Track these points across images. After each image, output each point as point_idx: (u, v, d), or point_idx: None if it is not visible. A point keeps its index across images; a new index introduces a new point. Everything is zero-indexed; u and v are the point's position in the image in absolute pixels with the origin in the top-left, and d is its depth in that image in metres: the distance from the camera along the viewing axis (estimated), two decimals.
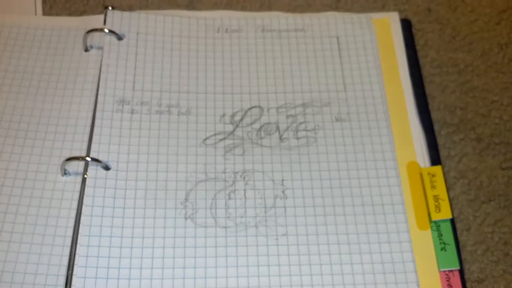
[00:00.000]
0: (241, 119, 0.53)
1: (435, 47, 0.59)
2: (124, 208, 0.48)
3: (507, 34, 0.60)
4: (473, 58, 0.58)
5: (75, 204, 0.48)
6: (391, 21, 0.59)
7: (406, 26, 0.59)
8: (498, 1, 0.62)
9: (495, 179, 0.52)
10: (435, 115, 0.55)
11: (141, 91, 0.53)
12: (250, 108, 0.53)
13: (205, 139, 0.51)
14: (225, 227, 0.47)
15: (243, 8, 0.61)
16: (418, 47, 0.59)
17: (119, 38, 0.56)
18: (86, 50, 0.56)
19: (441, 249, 0.47)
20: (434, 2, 0.62)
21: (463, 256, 0.48)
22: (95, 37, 0.57)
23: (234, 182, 0.49)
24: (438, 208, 0.48)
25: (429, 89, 0.56)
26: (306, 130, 0.52)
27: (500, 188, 0.52)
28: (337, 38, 0.57)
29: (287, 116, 0.53)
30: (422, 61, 0.58)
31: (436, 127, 0.54)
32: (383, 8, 0.61)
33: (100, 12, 0.59)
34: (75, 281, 0.45)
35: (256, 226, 0.47)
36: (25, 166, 0.50)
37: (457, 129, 0.54)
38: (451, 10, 0.61)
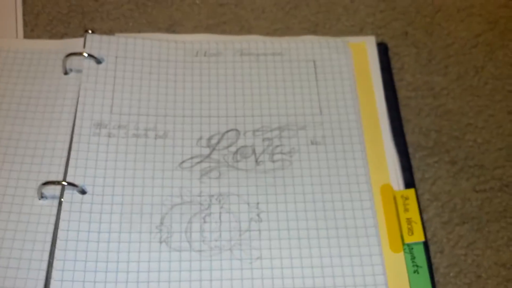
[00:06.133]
0: (218, 142, 0.53)
1: (411, 71, 0.60)
2: (99, 232, 0.48)
3: (482, 58, 0.61)
4: (448, 82, 0.59)
5: (51, 228, 0.49)
6: (368, 45, 0.60)
7: (383, 49, 0.60)
8: (474, 25, 0.63)
9: (468, 202, 0.53)
10: (410, 138, 0.56)
11: (118, 114, 0.54)
12: (227, 131, 0.54)
13: (182, 162, 0.52)
14: (200, 251, 0.48)
15: (223, 32, 0.61)
16: (394, 71, 0.59)
17: (98, 61, 0.56)
18: (66, 73, 0.57)
19: (414, 272, 0.48)
20: (411, 26, 0.63)
21: (436, 279, 0.49)
22: (74, 61, 0.57)
23: (209, 205, 0.50)
24: (411, 231, 0.49)
25: (404, 112, 0.57)
26: (281, 153, 0.53)
27: (474, 211, 0.52)
28: (314, 62, 0.58)
29: (263, 139, 0.54)
30: (398, 84, 0.59)
31: (410, 150, 0.55)
32: (361, 31, 0.62)
33: (81, 35, 0.60)
34: None
35: (230, 249, 0.48)
36: (3, 189, 0.51)
37: (431, 152, 0.55)
38: (428, 34, 0.62)
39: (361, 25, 0.62)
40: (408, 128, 0.56)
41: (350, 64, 0.58)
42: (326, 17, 0.63)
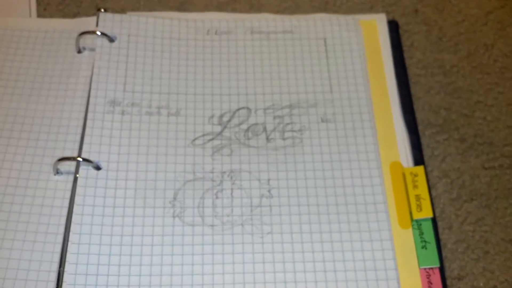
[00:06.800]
0: (229, 120, 0.54)
1: (421, 48, 0.60)
2: (114, 207, 0.49)
3: (493, 35, 0.61)
4: (458, 59, 0.60)
5: (66, 203, 0.50)
6: (378, 23, 0.60)
7: (393, 27, 0.60)
8: (485, 2, 0.63)
9: (477, 179, 0.53)
10: (419, 116, 0.56)
11: (131, 92, 0.55)
12: (238, 109, 0.55)
13: (194, 139, 0.53)
14: (212, 226, 0.49)
15: (233, 10, 0.62)
16: (404, 48, 0.60)
17: (111, 40, 0.57)
18: (79, 52, 0.58)
19: (422, 247, 0.48)
20: (421, 3, 0.63)
21: (444, 254, 0.49)
22: (87, 39, 0.58)
23: (221, 181, 0.51)
24: (419, 207, 0.50)
25: (414, 89, 0.57)
26: (292, 131, 0.53)
27: (482, 188, 0.53)
28: (324, 39, 0.58)
29: (274, 117, 0.54)
30: (408, 62, 0.59)
31: (420, 128, 0.55)
32: (371, 9, 0.62)
33: (93, 14, 0.60)
34: (66, 277, 0.46)
35: (242, 224, 0.49)
36: (19, 165, 0.52)
37: (441, 130, 0.55)
38: (438, 11, 0.62)
39: (371, 3, 0.63)
40: (418, 106, 0.56)
41: (361, 42, 0.58)
42: None
